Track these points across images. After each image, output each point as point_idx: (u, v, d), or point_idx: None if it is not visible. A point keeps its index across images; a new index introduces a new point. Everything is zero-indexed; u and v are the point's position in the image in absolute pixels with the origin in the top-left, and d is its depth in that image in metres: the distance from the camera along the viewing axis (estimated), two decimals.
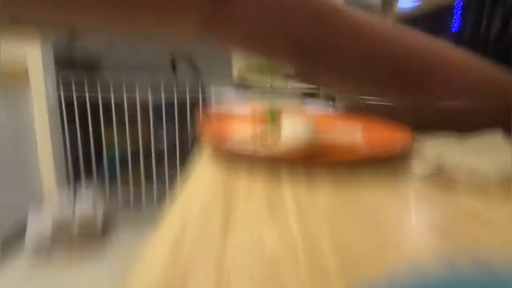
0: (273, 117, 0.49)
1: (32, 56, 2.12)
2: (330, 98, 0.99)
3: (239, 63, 2.05)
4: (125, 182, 2.42)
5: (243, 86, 1.09)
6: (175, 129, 2.30)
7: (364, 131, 0.51)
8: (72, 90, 2.23)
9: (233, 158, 0.43)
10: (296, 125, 0.48)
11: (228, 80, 1.18)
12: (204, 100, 2.03)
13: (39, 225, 2.05)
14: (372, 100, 0.68)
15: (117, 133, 2.33)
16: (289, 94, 0.88)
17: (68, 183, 2.34)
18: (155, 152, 2.33)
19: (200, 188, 0.36)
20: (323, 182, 0.37)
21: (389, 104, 0.67)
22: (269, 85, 1.18)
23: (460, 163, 0.39)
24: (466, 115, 0.62)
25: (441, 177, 0.36)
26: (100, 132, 2.32)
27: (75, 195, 2.21)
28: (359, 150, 0.48)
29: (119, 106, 2.26)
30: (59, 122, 2.27)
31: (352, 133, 0.51)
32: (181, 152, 2.30)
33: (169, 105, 2.35)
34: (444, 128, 0.51)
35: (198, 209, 0.31)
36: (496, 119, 0.38)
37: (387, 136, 0.49)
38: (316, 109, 0.85)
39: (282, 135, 0.47)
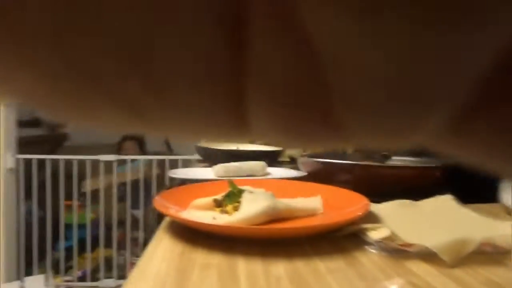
0: (234, 192, 0.49)
1: None
2: (293, 160, 1.01)
3: None
4: (82, 254, 2.28)
5: (208, 150, 1.11)
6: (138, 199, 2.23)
7: (323, 197, 0.52)
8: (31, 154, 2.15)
9: (190, 228, 0.42)
10: (256, 195, 0.48)
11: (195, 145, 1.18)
12: (171, 166, 2.01)
13: None
14: (332, 162, 0.70)
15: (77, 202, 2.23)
16: (254, 157, 0.90)
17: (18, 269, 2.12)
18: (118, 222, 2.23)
19: (155, 261, 0.35)
20: (279, 253, 0.36)
21: (348, 164, 0.69)
22: (235, 148, 1.19)
23: (413, 228, 0.40)
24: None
25: (394, 243, 0.36)
26: (58, 204, 2.19)
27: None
28: (317, 216, 0.49)
29: (82, 171, 2.19)
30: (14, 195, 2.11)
31: (312, 199, 0.52)
32: (144, 222, 2.22)
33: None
34: (398, 191, 0.53)
35: (151, 283, 0.30)
36: None
37: (344, 200, 0.50)
38: (279, 171, 0.86)
39: (242, 204, 0.47)
